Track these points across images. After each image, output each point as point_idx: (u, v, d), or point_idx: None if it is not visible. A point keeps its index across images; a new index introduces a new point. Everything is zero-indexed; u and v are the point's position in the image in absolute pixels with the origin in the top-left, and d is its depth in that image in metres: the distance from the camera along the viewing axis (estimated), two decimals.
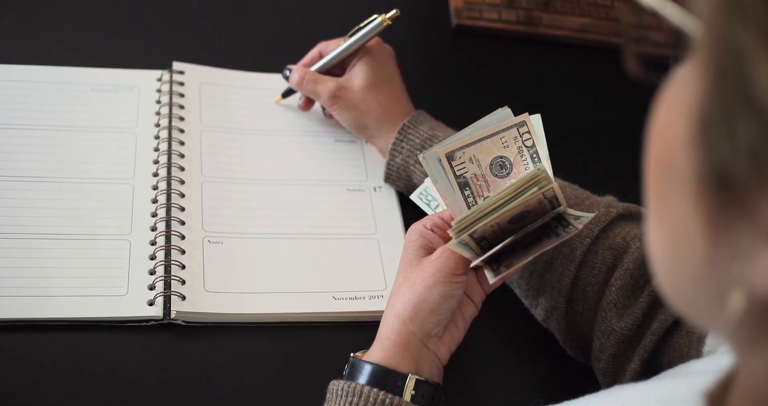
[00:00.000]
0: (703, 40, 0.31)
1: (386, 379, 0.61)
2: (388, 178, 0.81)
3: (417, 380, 0.61)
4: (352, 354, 0.64)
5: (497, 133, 0.66)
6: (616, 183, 0.91)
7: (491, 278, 0.64)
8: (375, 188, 0.83)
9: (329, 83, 0.82)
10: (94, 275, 0.71)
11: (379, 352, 0.63)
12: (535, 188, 0.62)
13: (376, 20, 0.83)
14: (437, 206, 0.72)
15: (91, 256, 0.72)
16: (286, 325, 0.72)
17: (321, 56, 0.85)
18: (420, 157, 0.66)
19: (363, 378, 0.61)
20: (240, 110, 0.87)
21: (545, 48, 1.07)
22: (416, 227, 0.69)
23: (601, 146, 0.96)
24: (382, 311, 0.72)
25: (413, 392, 0.61)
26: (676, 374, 0.52)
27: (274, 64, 0.93)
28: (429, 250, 0.67)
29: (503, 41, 1.06)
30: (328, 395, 0.62)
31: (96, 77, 0.86)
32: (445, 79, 1.01)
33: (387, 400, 0.59)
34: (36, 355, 0.66)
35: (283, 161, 0.83)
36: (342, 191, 0.82)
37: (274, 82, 0.90)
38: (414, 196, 0.74)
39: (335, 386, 0.62)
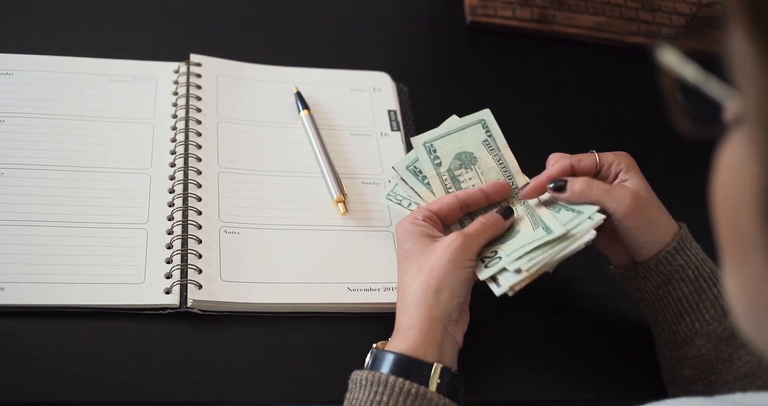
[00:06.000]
0: (753, 119, 0.32)
1: (411, 368, 0.61)
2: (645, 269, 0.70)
3: (442, 368, 0.61)
4: (374, 345, 0.65)
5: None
6: None
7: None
8: (390, 181, 0.83)
9: (627, 189, 0.69)
10: (112, 263, 0.71)
11: (404, 342, 0.63)
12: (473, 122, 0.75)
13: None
14: (410, 204, 0.75)
15: (108, 244, 0.72)
16: (301, 315, 0.73)
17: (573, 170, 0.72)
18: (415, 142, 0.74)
19: (386, 368, 0.61)
20: (256, 102, 0.88)
21: (559, 46, 1.07)
22: (408, 220, 0.70)
23: (613, 144, 0.96)
24: (396, 303, 0.73)
25: (439, 381, 0.61)
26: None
27: (291, 57, 0.94)
28: (430, 238, 0.68)
29: (517, 39, 1.07)
30: (350, 385, 0.62)
31: (114, 68, 0.87)
32: (459, 75, 1.01)
33: (413, 389, 0.59)
34: (53, 341, 0.67)
35: (299, 153, 0.84)
36: (357, 184, 0.82)
37: (290, 75, 0.91)
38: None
39: (358, 376, 0.62)
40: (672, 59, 0.37)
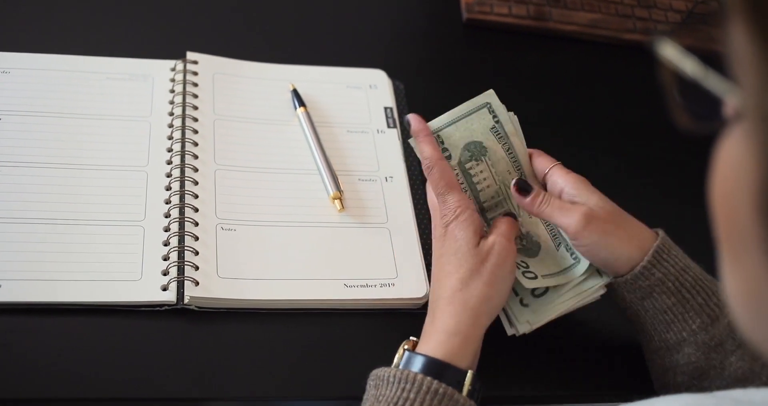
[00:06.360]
0: (753, 115, 0.32)
1: (443, 372, 0.60)
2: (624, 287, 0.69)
3: (473, 374, 0.61)
4: (405, 345, 0.64)
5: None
6: (624, 177, 0.92)
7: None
8: (387, 178, 0.83)
9: (581, 206, 0.68)
10: (109, 260, 0.71)
11: (444, 346, 0.62)
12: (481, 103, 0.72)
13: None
14: (450, 157, 0.73)
15: (105, 241, 0.72)
16: (298, 312, 0.73)
17: None
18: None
19: (417, 367, 0.61)
20: (253, 100, 0.88)
21: (555, 43, 1.07)
22: (465, 208, 0.69)
23: (609, 141, 0.97)
24: (393, 299, 0.74)
25: (470, 388, 0.60)
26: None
27: (287, 55, 0.94)
28: (479, 236, 0.68)
29: (513, 36, 1.07)
30: (375, 382, 0.62)
31: (111, 66, 0.87)
32: (455, 73, 1.02)
33: (441, 389, 0.59)
34: (50, 338, 0.67)
35: (295, 151, 0.84)
36: (354, 181, 0.82)
37: (287, 72, 0.91)
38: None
39: (384, 372, 0.61)
40: (672, 53, 0.37)
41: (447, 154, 0.72)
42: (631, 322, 0.71)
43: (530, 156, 0.74)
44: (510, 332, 0.71)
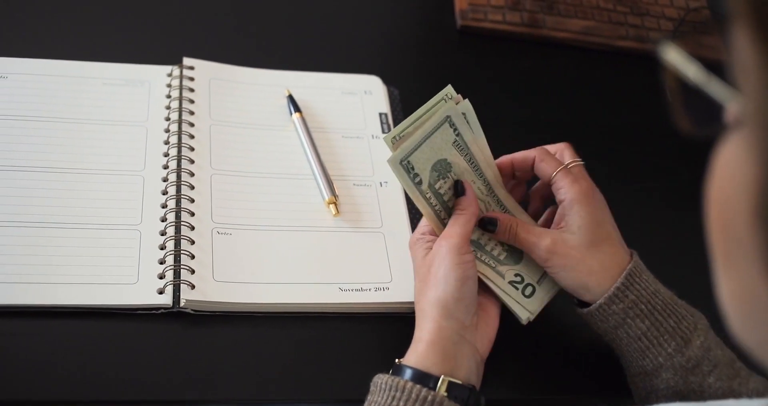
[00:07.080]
0: (753, 121, 0.32)
1: (421, 381, 0.61)
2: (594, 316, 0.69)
3: (450, 382, 0.61)
4: (397, 360, 0.65)
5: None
6: (618, 184, 0.92)
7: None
8: (381, 183, 0.84)
9: (546, 238, 0.68)
10: (105, 263, 0.72)
11: (413, 355, 0.63)
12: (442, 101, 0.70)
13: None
14: (420, 182, 0.69)
15: (102, 245, 0.73)
16: (293, 315, 0.73)
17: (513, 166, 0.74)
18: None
19: (405, 376, 0.62)
20: (249, 106, 0.88)
21: (549, 50, 1.08)
22: (413, 236, 0.72)
23: (603, 147, 0.97)
24: (387, 303, 0.75)
25: (445, 394, 0.61)
26: None
27: (283, 61, 0.95)
28: (429, 251, 0.69)
29: (507, 43, 1.08)
30: (372, 388, 0.63)
31: (108, 72, 0.87)
32: (450, 79, 1.00)
33: (430, 397, 0.60)
34: (47, 341, 0.67)
35: (291, 156, 0.84)
36: (349, 186, 0.83)
37: (282, 78, 0.92)
38: (394, 162, 0.67)
39: (380, 379, 0.62)
40: (675, 58, 0.37)
41: (418, 179, 0.68)
42: (612, 348, 0.71)
43: (533, 161, 0.72)
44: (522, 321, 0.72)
